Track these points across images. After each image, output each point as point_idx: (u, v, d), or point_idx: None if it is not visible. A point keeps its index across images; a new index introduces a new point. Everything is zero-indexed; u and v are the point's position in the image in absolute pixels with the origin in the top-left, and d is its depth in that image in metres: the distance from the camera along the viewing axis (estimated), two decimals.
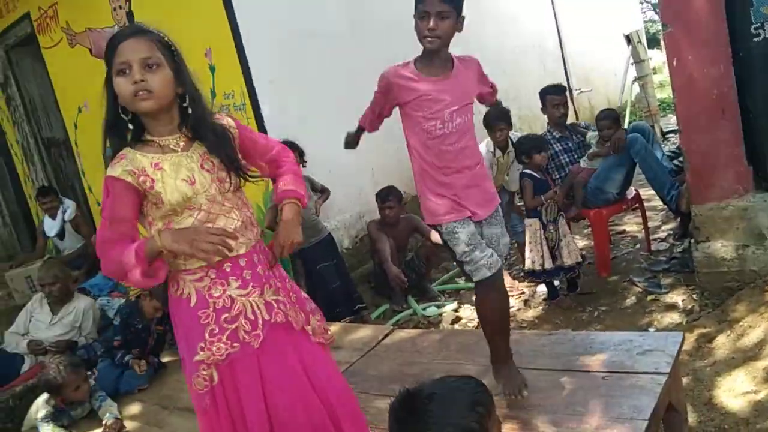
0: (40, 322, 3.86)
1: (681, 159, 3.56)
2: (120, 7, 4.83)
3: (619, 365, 2.18)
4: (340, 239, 4.67)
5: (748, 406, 2.33)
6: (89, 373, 3.12)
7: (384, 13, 5.07)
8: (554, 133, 4.24)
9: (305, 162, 4.07)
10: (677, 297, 3.47)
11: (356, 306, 4.12)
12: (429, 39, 1.96)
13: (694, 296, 3.35)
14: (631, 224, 4.89)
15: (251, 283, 1.63)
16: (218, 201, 1.63)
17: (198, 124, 1.63)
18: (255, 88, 4.27)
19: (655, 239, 4.35)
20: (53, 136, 6.55)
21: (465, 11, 1.99)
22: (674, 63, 3.12)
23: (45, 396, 2.95)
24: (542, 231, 3.64)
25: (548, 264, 3.63)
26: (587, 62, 8.86)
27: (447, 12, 1.93)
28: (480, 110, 2.79)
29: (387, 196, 4.29)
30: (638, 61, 7.97)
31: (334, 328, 3.24)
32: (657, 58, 12.34)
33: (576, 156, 4.21)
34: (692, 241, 3.29)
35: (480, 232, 2.12)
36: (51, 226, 5.72)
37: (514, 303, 3.91)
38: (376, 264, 4.44)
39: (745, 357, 2.58)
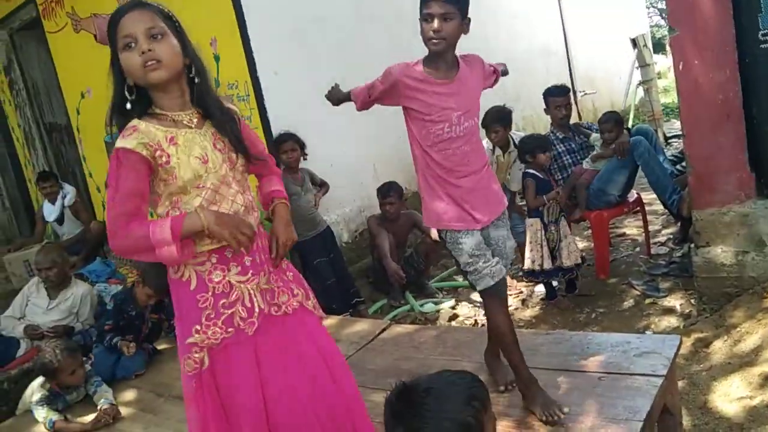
0: (37, 307, 3.85)
1: (683, 163, 3.56)
2: None
3: (615, 366, 2.18)
4: (339, 233, 4.67)
5: (742, 412, 2.34)
6: (85, 358, 3.12)
7: (390, 6, 5.06)
8: (557, 134, 4.23)
9: (306, 155, 4.06)
10: (675, 301, 3.47)
11: (353, 300, 4.12)
12: (434, 41, 1.94)
13: (693, 301, 3.36)
14: (631, 227, 4.89)
15: (251, 270, 1.63)
16: (227, 182, 1.62)
17: (204, 97, 1.63)
18: (259, 78, 4.26)
19: (655, 243, 4.35)
20: (55, 121, 6.55)
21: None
22: (680, 67, 3.11)
23: (40, 380, 2.95)
24: (543, 231, 3.64)
25: (547, 264, 3.63)
26: (592, 64, 8.86)
27: (451, 13, 1.92)
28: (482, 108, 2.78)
29: (388, 191, 4.28)
30: (643, 65, 7.97)
31: (331, 321, 3.25)
32: (662, 62, 12.33)
33: (579, 157, 4.20)
34: (692, 245, 3.29)
35: (486, 235, 2.09)
36: (50, 211, 5.72)
37: (512, 302, 3.91)
38: (375, 259, 4.43)
39: (741, 362, 2.59)
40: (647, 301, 3.57)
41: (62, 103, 6.09)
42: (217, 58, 4.36)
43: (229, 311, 1.59)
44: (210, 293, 1.58)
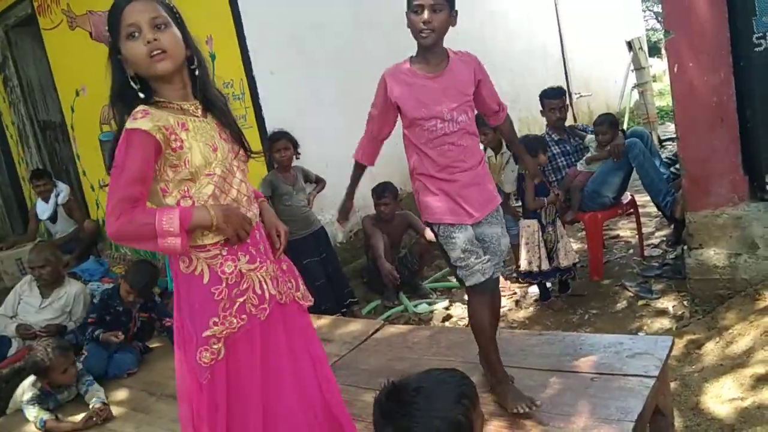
0: (29, 306, 3.83)
1: (678, 166, 3.56)
2: None
3: (608, 367, 2.18)
4: (334, 233, 4.66)
5: (734, 413, 2.34)
6: (77, 357, 3.11)
7: (389, 9, 5.06)
8: (552, 136, 4.24)
9: (299, 154, 4.05)
10: (668, 303, 3.48)
11: (347, 301, 4.11)
12: (424, 33, 1.94)
13: (685, 303, 3.37)
14: (625, 229, 4.90)
15: (258, 258, 1.65)
16: (232, 171, 1.62)
17: (207, 88, 1.63)
18: (255, 78, 4.25)
19: (648, 245, 4.36)
20: (49, 118, 6.52)
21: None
22: (675, 69, 3.12)
23: (32, 378, 2.93)
24: (540, 233, 3.65)
25: (545, 265, 3.64)
26: (588, 67, 8.88)
27: (441, 4, 1.93)
28: None
29: (383, 192, 4.28)
30: (639, 68, 7.99)
31: (324, 321, 3.24)
32: (657, 66, 12.39)
33: (573, 159, 4.21)
34: (685, 247, 3.30)
35: (480, 232, 2.09)
36: (44, 210, 5.70)
37: (506, 303, 3.92)
38: (369, 259, 4.43)
39: (733, 364, 2.59)
40: (640, 302, 3.58)
41: (57, 101, 6.07)
42: (213, 57, 4.35)
43: (241, 299, 1.60)
44: (224, 284, 1.58)
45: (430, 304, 4.17)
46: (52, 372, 2.87)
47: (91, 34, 5.24)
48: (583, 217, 4.08)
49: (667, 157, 4.43)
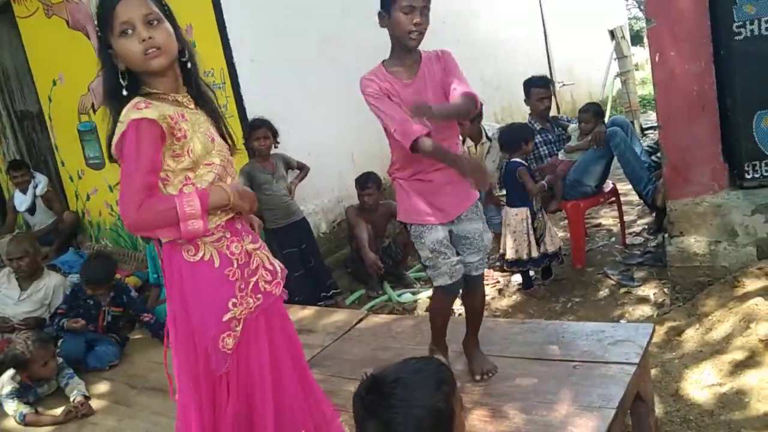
0: (7, 298, 3.78)
1: (659, 155, 3.59)
2: None
3: (590, 355, 2.20)
4: (317, 223, 4.64)
5: (713, 398, 2.37)
6: (58, 350, 3.07)
7: (376, 3, 5.02)
8: (535, 125, 4.25)
9: (277, 142, 4.01)
10: (649, 290, 3.52)
11: (330, 292, 4.09)
12: (414, 35, 1.92)
13: (666, 290, 3.40)
14: (607, 217, 4.94)
15: (258, 239, 1.69)
16: (231, 162, 1.66)
17: (197, 80, 1.64)
18: (236, 66, 4.20)
19: (630, 233, 4.40)
20: (26, 108, 6.38)
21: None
22: (656, 58, 3.13)
23: (11, 372, 2.89)
24: (530, 220, 3.66)
25: (534, 253, 3.66)
26: (571, 55, 8.89)
27: (428, 7, 1.93)
28: None
29: (366, 182, 4.26)
30: (621, 57, 8.04)
31: (308, 312, 3.23)
32: (639, 54, 12.46)
33: (555, 148, 4.23)
34: (666, 235, 3.33)
35: (461, 228, 2.09)
36: (21, 201, 5.61)
37: (489, 292, 3.93)
38: (353, 249, 4.42)
39: (712, 350, 2.63)
40: (622, 290, 3.62)
41: (34, 91, 5.93)
42: (192, 45, 4.29)
43: (254, 278, 1.62)
44: (235, 265, 1.58)
45: (414, 293, 4.17)
46: (33, 365, 2.84)
47: (67, 22, 5.12)
48: (565, 205, 4.10)
49: (648, 146, 4.46)
